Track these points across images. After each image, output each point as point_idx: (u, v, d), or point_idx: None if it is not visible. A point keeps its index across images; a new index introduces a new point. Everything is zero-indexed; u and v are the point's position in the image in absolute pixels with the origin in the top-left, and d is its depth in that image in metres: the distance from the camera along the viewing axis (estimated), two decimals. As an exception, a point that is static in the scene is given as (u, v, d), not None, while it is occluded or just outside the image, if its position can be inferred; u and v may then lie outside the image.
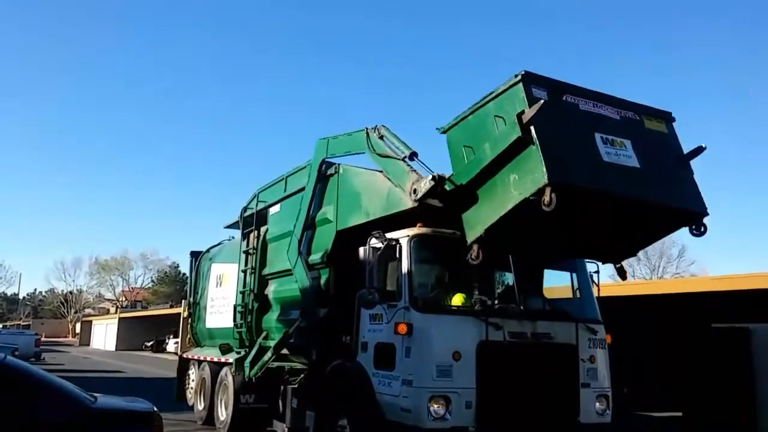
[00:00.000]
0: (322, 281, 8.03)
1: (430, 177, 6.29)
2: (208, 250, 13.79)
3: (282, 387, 9.03)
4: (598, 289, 7.50)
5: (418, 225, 6.72)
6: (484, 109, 5.97)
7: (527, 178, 5.37)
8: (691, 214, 6.13)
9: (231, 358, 10.31)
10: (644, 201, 5.82)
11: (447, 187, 6.24)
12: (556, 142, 5.40)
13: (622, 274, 7.04)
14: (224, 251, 12.66)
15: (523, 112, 5.36)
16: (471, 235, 6.09)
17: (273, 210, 10.06)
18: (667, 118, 6.45)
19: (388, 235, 6.72)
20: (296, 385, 8.58)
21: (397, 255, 6.62)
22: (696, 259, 67.22)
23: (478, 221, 6.00)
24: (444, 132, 6.42)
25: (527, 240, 6.36)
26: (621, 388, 8.48)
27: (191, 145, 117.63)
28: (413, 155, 6.84)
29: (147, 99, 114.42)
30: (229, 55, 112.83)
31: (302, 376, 8.55)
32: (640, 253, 49.91)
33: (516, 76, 5.59)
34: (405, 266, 6.56)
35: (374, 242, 6.66)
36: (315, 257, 8.22)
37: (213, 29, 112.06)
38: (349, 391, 7.05)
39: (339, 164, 8.26)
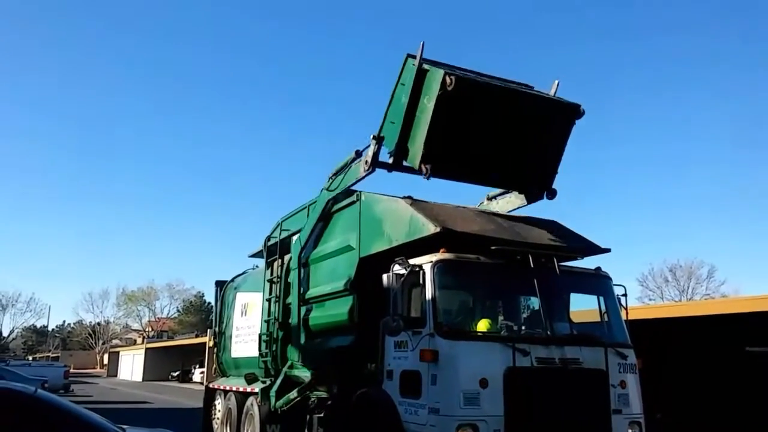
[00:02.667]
0: (346, 309, 8.02)
1: (373, 141, 7.35)
2: (232, 280, 13.88)
3: (308, 416, 8.97)
4: (627, 313, 7.37)
5: (441, 251, 6.71)
6: (395, 96, 7.23)
7: (432, 88, 6.70)
8: (565, 107, 7.42)
9: (257, 387, 10.30)
10: (519, 93, 7.34)
11: (387, 146, 7.25)
12: (445, 65, 7.08)
13: (551, 194, 7.80)
14: (249, 280, 12.73)
15: (414, 57, 6.87)
16: (416, 157, 6.91)
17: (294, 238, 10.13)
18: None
19: (412, 262, 6.72)
20: (322, 415, 8.53)
21: (421, 281, 6.59)
22: (726, 278, 65.93)
23: (417, 144, 6.92)
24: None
25: (460, 155, 7.26)
26: (654, 414, 8.27)
27: (214, 176, 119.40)
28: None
29: (171, 129, 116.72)
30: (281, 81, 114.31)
31: (328, 405, 8.49)
32: (668, 275, 48.43)
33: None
34: (429, 292, 6.53)
35: (397, 269, 6.66)
36: (338, 285, 8.23)
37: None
38: (376, 420, 6.97)
39: (360, 192, 8.31)
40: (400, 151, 7.12)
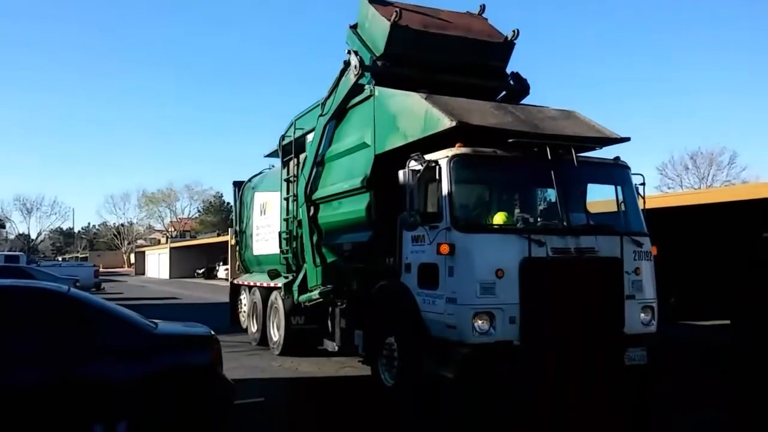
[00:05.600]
0: (364, 206, 8.09)
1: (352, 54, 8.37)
2: (250, 180, 14.00)
3: (330, 308, 9.34)
4: (644, 202, 7.35)
5: (457, 145, 6.63)
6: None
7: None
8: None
9: (279, 282, 10.66)
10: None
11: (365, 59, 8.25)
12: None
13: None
14: (266, 180, 12.83)
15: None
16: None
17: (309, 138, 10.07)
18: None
19: (428, 157, 6.67)
20: (344, 306, 8.86)
21: (437, 176, 6.57)
22: (748, 164, 64.76)
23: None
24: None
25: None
26: (668, 298, 8.47)
27: (229, 77, 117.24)
28: None
29: (186, 31, 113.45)
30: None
31: (349, 297, 8.79)
32: (689, 162, 48.21)
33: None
34: (445, 187, 6.53)
35: (413, 165, 6.63)
36: (354, 182, 8.26)
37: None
38: (395, 310, 7.24)
39: (374, 87, 8.11)
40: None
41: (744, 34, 78.88)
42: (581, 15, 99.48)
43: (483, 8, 9.16)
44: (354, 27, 8.75)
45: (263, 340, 11.72)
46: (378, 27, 8.20)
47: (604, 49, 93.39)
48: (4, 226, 73.32)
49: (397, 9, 8.01)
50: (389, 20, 7.89)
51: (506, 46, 8.64)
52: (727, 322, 14.45)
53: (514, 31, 8.55)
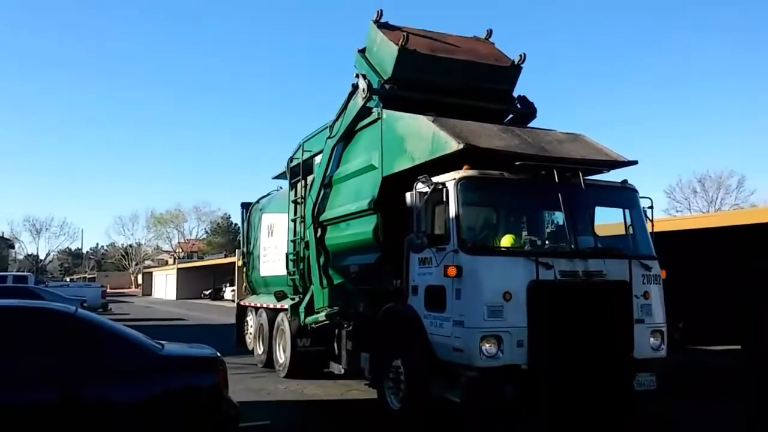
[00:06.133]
0: (371, 227, 8.10)
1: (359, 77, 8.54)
2: (257, 201, 14.05)
3: (336, 330, 9.30)
4: (652, 225, 7.32)
5: (464, 167, 6.65)
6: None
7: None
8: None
9: (286, 304, 10.64)
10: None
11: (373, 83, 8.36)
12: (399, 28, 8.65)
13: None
14: (273, 201, 12.88)
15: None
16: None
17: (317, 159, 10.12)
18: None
19: (435, 179, 6.69)
20: (350, 328, 8.82)
21: (445, 198, 6.59)
22: (757, 188, 64.54)
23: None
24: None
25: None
26: (677, 323, 8.38)
27: (238, 100, 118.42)
28: None
29: (197, 58, 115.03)
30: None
31: (356, 319, 8.75)
32: (697, 185, 48.17)
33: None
34: (452, 209, 6.54)
35: (421, 187, 6.64)
36: (362, 204, 8.28)
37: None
38: (402, 333, 7.19)
39: (381, 110, 8.18)
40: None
41: (751, 63, 79.10)
42: (590, 36, 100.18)
43: (490, 33, 9.26)
44: (362, 51, 8.86)
45: (269, 362, 11.67)
46: (386, 51, 8.29)
47: (613, 72, 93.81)
48: (13, 247, 73.73)
49: (405, 34, 8.10)
50: (397, 44, 7.99)
51: (513, 70, 8.70)
52: (738, 347, 14.26)
53: (521, 56, 8.62)
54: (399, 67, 8.10)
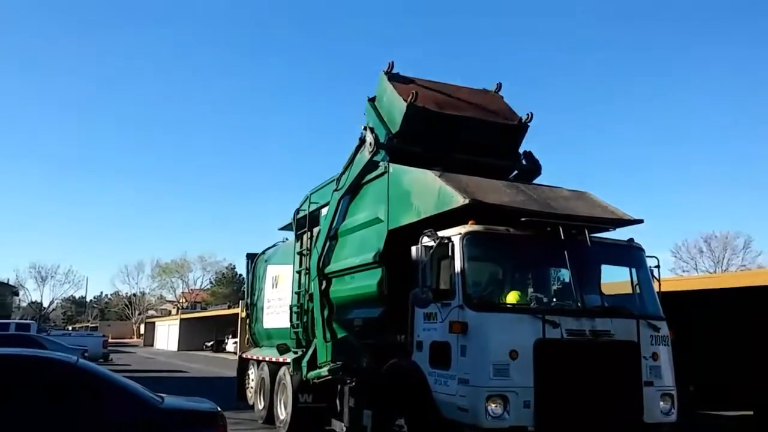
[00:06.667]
0: (376, 281, 8.06)
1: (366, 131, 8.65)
2: (263, 252, 14.05)
3: (339, 386, 9.13)
4: (659, 284, 7.26)
5: (470, 222, 6.67)
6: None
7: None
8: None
9: (288, 358, 10.49)
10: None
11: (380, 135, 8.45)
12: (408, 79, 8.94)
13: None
14: (279, 253, 12.88)
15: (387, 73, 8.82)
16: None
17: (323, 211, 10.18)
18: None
19: (440, 234, 6.70)
20: (353, 385, 8.66)
21: (450, 253, 6.57)
22: (763, 249, 64.33)
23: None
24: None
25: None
26: (687, 386, 8.19)
27: (244, 151, 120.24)
28: None
29: (202, 111, 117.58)
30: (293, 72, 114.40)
31: (359, 375, 8.60)
32: (703, 245, 48.07)
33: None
34: (458, 264, 6.52)
35: (426, 241, 6.65)
36: (367, 257, 8.27)
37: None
38: (406, 390, 7.05)
39: (388, 163, 8.28)
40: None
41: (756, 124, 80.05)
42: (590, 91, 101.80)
43: (499, 86, 9.44)
44: (372, 100, 9.01)
45: (269, 417, 11.42)
46: (395, 105, 8.45)
47: (618, 129, 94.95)
48: (17, 293, 73.60)
49: (414, 90, 8.26)
50: (406, 101, 8.14)
51: (520, 128, 8.83)
52: (750, 413, 13.87)
53: (528, 114, 8.77)
54: (407, 122, 8.23)
